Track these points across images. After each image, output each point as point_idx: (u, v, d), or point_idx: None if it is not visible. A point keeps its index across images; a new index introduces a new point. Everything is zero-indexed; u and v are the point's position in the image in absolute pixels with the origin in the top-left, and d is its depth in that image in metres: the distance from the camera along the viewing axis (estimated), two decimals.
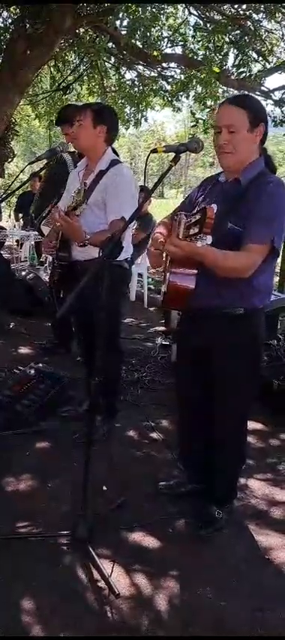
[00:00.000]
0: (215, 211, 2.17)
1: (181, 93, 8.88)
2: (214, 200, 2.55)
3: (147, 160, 2.52)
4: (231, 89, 8.37)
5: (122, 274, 3.61)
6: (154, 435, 3.92)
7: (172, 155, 2.45)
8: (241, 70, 7.77)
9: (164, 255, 2.73)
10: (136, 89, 9.46)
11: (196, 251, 2.33)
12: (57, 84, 10.03)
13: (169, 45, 8.65)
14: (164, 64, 8.94)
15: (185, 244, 2.31)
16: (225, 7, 7.64)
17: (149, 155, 2.50)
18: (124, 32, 7.87)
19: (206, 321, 2.65)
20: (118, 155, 3.65)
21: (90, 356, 3.75)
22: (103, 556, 2.60)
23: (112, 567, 2.54)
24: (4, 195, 4.76)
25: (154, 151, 2.44)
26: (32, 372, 4.30)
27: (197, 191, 2.86)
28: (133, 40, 7.65)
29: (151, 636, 2.25)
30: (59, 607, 2.33)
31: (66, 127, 4.54)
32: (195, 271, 2.47)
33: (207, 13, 7.79)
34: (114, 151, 3.62)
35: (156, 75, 9.25)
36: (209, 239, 2.18)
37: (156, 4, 7.66)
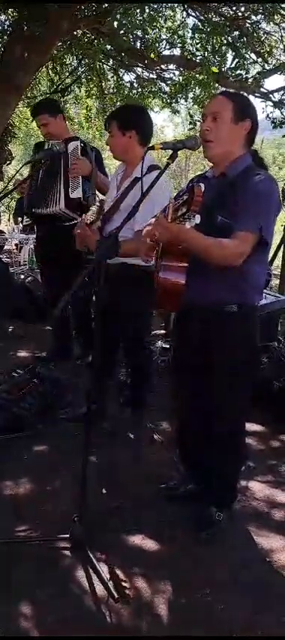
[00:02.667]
0: (203, 190, 2.16)
1: (179, 95, 8.88)
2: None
3: (144, 158, 2.49)
4: (230, 91, 8.35)
5: (148, 278, 3.60)
6: (154, 436, 3.89)
7: (167, 159, 2.44)
8: (239, 72, 7.76)
9: (155, 252, 2.73)
10: (134, 91, 9.44)
11: (185, 233, 2.32)
12: (55, 86, 10.02)
13: (167, 47, 8.62)
14: (163, 66, 8.93)
15: (173, 225, 2.31)
16: (223, 8, 7.63)
17: (146, 152, 2.48)
18: (121, 34, 7.87)
19: (200, 319, 2.64)
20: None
21: (104, 359, 3.78)
22: (101, 560, 2.58)
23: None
24: (1, 195, 4.72)
25: (152, 148, 2.43)
26: (31, 375, 4.26)
27: (186, 189, 2.85)
28: (126, 39, 7.61)
29: (150, 636, 2.23)
30: (58, 611, 2.30)
31: (44, 117, 4.60)
32: (185, 264, 2.46)
33: (205, 15, 7.77)
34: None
35: (155, 77, 9.24)
36: (198, 218, 2.17)
37: (154, 6, 7.65)
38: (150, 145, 2.42)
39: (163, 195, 3.35)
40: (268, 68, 8.37)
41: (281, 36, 8.16)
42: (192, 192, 2.13)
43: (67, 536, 2.62)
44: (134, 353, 3.92)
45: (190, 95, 8.78)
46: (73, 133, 4.72)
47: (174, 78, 9.10)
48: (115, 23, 7.23)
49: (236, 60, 7.64)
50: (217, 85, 8.12)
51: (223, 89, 7.50)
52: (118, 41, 7.50)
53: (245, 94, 8.03)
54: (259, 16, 7.66)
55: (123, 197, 3.50)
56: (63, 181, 4.41)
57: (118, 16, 6.98)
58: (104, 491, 3.16)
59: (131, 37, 7.72)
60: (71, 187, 4.39)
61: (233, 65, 7.72)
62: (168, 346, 5.52)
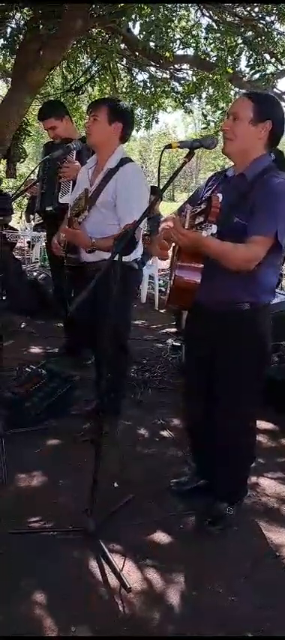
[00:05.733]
0: (221, 200, 2.19)
1: (192, 94, 8.87)
2: (221, 193, 2.55)
3: (161, 156, 2.51)
4: (243, 91, 8.34)
5: (132, 275, 3.61)
6: (165, 433, 3.92)
7: (184, 157, 2.47)
8: (256, 69, 7.74)
9: (171, 254, 2.76)
10: (147, 91, 9.43)
11: (201, 241, 2.35)
12: (69, 85, 10.04)
13: (181, 47, 8.61)
14: (176, 66, 8.92)
15: (190, 233, 2.35)
16: (237, 8, 7.63)
17: (163, 151, 2.49)
18: (136, 33, 7.89)
19: (212, 318, 2.66)
20: None
21: (97, 354, 3.78)
22: (114, 551, 2.62)
23: (124, 562, 2.55)
24: (14, 195, 4.77)
25: (169, 146, 2.45)
26: (42, 370, 4.30)
27: (205, 187, 2.88)
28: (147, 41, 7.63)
29: (157, 636, 2.25)
30: (71, 601, 2.34)
31: (51, 121, 4.65)
32: (201, 265, 2.48)
33: (219, 15, 7.77)
34: None
35: (168, 76, 9.23)
36: (214, 228, 2.21)
37: (168, 6, 7.64)
38: (168, 143, 2.43)
39: (140, 186, 3.45)
40: (281, 69, 8.35)
41: None
42: (210, 203, 2.17)
43: (80, 528, 2.67)
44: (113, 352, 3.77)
45: (204, 95, 8.77)
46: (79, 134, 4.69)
47: (187, 78, 9.09)
48: (138, 24, 7.27)
49: (253, 57, 7.63)
50: (230, 84, 8.12)
51: (243, 90, 7.51)
52: (141, 42, 7.51)
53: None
54: (273, 17, 7.64)
55: (98, 192, 3.41)
56: (57, 183, 4.50)
57: (133, 16, 6.98)
58: (116, 484, 3.19)
59: (149, 39, 7.68)
60: (61, 191, 4.44)
61: (251, 63, 7.70)
62: (179, 344, 5.55)
